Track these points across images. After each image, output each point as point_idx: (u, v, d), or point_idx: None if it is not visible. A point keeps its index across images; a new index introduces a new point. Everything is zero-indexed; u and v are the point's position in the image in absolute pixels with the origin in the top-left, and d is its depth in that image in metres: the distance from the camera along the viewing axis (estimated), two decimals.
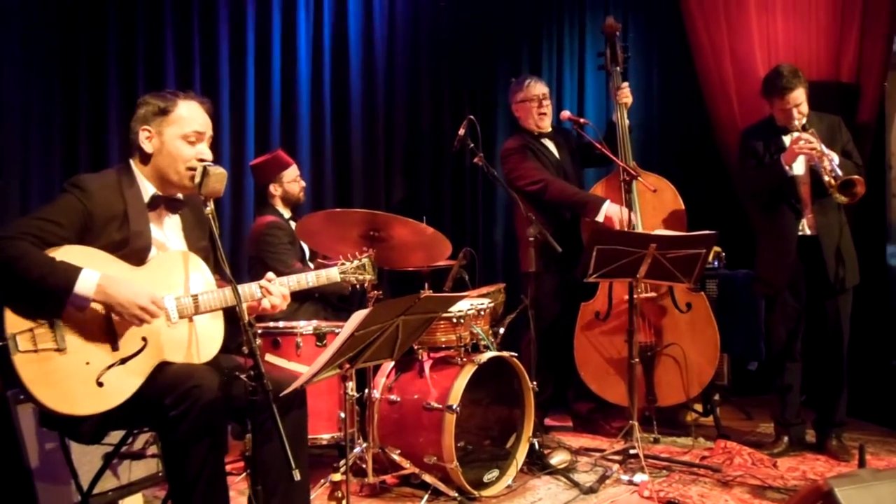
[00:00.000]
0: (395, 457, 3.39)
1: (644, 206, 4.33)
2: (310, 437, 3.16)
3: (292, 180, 4.11)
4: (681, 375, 4.23)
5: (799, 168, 3.86)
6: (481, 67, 5.50)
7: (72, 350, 2.23)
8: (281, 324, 3.55)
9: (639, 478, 3.53)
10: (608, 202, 4.26)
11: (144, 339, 2.33)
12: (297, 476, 2.03)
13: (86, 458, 2.80)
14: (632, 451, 3.70)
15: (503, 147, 4.59)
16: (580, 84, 5.66)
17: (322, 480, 3.31)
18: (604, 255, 3.57)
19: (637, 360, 3.87)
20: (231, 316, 2.51)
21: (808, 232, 3.90)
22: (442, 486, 3.33)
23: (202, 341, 2.46)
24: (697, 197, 4.60)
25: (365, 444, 3.44)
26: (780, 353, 4.02)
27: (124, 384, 2.28)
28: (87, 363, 2.24)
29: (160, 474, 3.14)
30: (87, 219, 2.35)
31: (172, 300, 2.40)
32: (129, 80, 4.29)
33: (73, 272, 2.20)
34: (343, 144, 5.03)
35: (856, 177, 3.60)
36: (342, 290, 3.90)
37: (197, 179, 2.38)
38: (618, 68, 4.54)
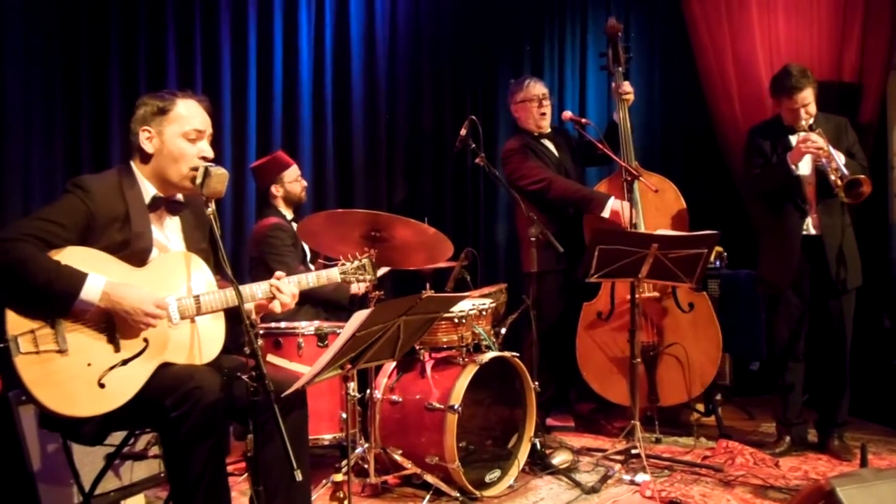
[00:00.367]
0: (397, 457, 3.39)
1: (646, 205, 4.33)
2: (312, 437, 3.17)
3: (293, 180, 4.11)
4: (683, 375, 4.22)
5: (805, 168, 3.86)
6: (483, 68, 5.50)
7: (73, 351, 2.23)
8: (283, 324, 3.55)
9: (640, 478, 3.53)
10: (613, 198, 4.26)
11: (146, 340, 2.33)
12: (298, 476, 2.03)
13: (87, 459, 2.80)
14: (633, 451, 3.70)
15: (504, 148, 4.59)
16: (582, 84, 5.66)
17: (324, 481, 3.32)
18: (605, 255, 3.57)
19: (639, 359, 3.86)
20: (232, 316, 2.52)
21: (813, 232, 3.90)
22: (444, 487, 3.33)
23: (203, 342, 2.46)
24: (699, 197, 4.60)
25: (367, 445, 3.44)
26: (783, 353, 4.01)
27: (126, 385, 2.28)
28: (89, 364, 2.24)
29: (162, 475, 3.14)
30: (90, 220, 2.35)
31: (174, 301, 2.40)
32: (130, 81, 4.29)
33: (78, 278, 2.21)
34: (345, 145, 5.03)
35: (862, 176, 3.60)
36: (341, 300, 3.90)
37: (198, 180, 2.38)
38: (620, 68, 4.54)
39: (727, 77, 5.06)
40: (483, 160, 3.95)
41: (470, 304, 3.65)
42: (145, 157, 2.51)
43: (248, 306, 2.50)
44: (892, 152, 4.95)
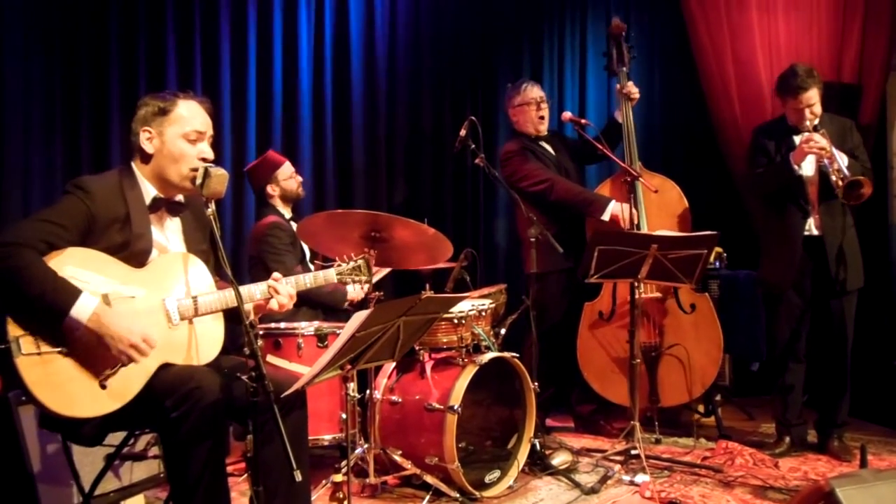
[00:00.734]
0: (397, 457, 3.39)
1: (649, 206, 4.33)
2: (311, 437, 3.17)
3: (288, 177, 4.09)
4: (684, 376, 4.22)
5: (808, 168, 3.85)
6: (482, 68, 5.50)
7: (75, 352, 2.22)
8: (282, 325, 3.55)
9: (640, 478, 3.53)
10: (613, 201, 4.27)
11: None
12: (298, 477, 2.03)
13: (87, 460, 2.80)
14: (633, 452, 3.70)
15: (503, 150, 4.59)
16: (581, 85, 5.66)
17: (323, 481, 3.32)
18: (605, 256, 3.57)
19: (639, 360, 3.86)
20: (232, 317, 2.52)
21: (815, 232, 3.90)
22: (443, 487, 3.33)
23: (203, 343, 2.46)
24: (699, 198, 4.60)
25: (366, 445, 3.44)
26: (783, 353, 4.01)
27: (127, 386, 2.28)
28: (91, 365, 2.24)
29: (161, 475, 3.14)
30: (90, 220, 2.35)
31: (174, 302, 2.40)
32: (130, 82, 4.29)
33: (71, 295, 2.18)
34: (344, 145, 5.03)
35: (862, 178, 3.60)
36: (337, 303, 3.90)
37: (198, 181, 2.38)
38: (624, 68, 4.54)
39: (727, 77, 5.06)
40: (483, 160, 3.95)
41: (469, 304, 3.65)
42: (146, 158, 2.50)
43: (247, 307, 2.50)
44: (892, 153, 4.95)
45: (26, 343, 2.16)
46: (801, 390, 4.05)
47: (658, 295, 4.29)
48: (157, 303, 2.39)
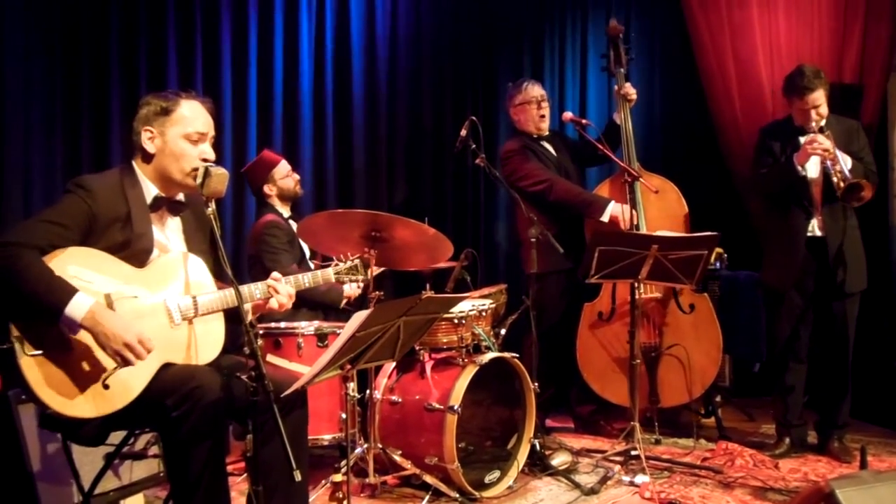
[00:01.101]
0: (397, 457, 3.39)
1: (648, 206, 4.33)
2: (311, 437, 3.17)
3: (284, 176, 4.08)
4: (684, 376, 4.22)
5: (813, 170, 3.85)
6: (483, 68, 5.50)
7: (77, 352, 2.22)
8: (282, 324, 3.55)
9: (640, 479, 3.53)
10: (613, 202, 4.26)
11: None
12: (297, 477, 2.03)
13: (87, 459, 2.80)
14: (633, 453, 3.70)
15: (503, 149, 4.59)
16: (582, 85, 5.66)
17: (323, 481, 3.31)
18: (605, 256, 3.57)
19: (639, 360, 3.86)
20: (232, 317, 2.52)
21: (818, 233, 3.89)
22: (443, 487, 3.33)
23: (204, 343, 2.46)
24: (699, 198, 4.60)
25: (366, 445, 3.44)
26: (784, 354, 4.01)
27: (129, 386, 2.28)
28: (93, 365, 2.23)
29: (161, 474, 3.15)
30: (91, 220, 2.35)
31: (176, 302, 2.40)
32: (131, 81, 4.29)
33: (66, 293, 2.16)
34: (345, 145, 5.03)
35: (862, 181, 3.59)
36: (334, 302, 3.90)
37: (198, 180, 2.38)
38: (622, 70, 4.54)
39: (727, 77, 5.06)
40: (483, 161, 3.95)
41: (470, 304, 3.65)
42: (147, 157, 2.50)
43: (246, 306, 2.50)
44: (893, 153, 4.94)
45: (29, 342, 2.16)
46: (801, 391, 4.04)
47: (658, 295, 4.29)
48: (159, 302, 2.39)
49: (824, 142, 3.68)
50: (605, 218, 4.25)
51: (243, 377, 2.14)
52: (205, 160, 2.47)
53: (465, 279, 4.09)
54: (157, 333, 2.33)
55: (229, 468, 3.31)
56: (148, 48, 4.35)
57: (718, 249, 4.73)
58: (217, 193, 2.39)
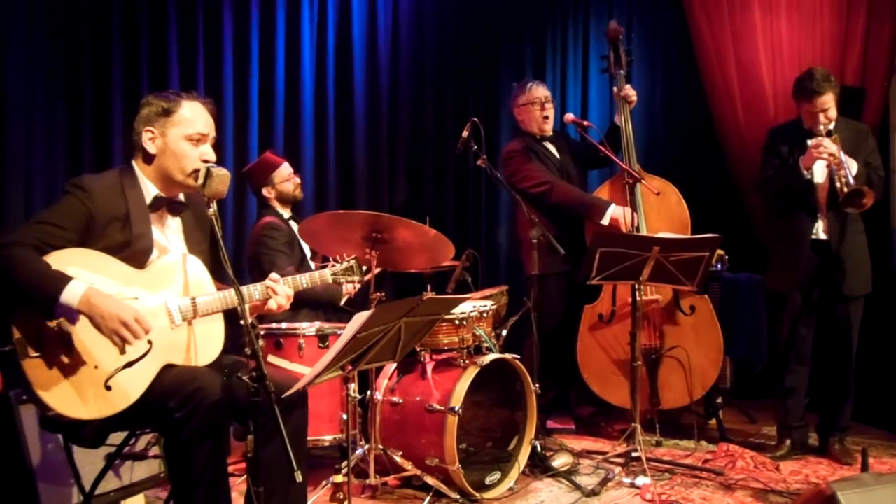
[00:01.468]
0: (397, 458, 3.39)
1: (648, 208, 4.33)
2: (312, 438, 3.17)
3: (284, 180, 4.08)
4: (684, 378, 4.22)
5: (819, 174, 3.84)
6: (485, 69, 5.50)
7: (80, 354, 2.22)
8: (283, 325, 3.55)
9: (641, 481, 3.53)
10: (613, 205, 4.26)
11: (150, 342, 2.32)
12: (298, 478, 2.03)
13: (88, 459, 2.80)
14: (634, 454, 3.70)
15: (505, 149, 4.59)
16: (584, 87, 5.67)
17: (324, 482, 3.32)
18: (607, 258, 3.57)
19: (640, 362, 3.86)
20: (232, 318, 2.52)
21: (822, 236, 3.88)
22: (444, 488, 3.33)
23: (204, 343, 2.46)
24: (701, 200, 4.60)
25: (367, 446, 3.44)
26: (786, 356, 4.01)
27: (131, 387, 2.28)
28: (95, 367, 2.24)
29: (162, 475, 3.15)
30: (90, 220, 2.35)
31: (176, 303, 2.40)
32: (132, 82, 4.28)
33: (61, 282, 2.16)
34: (346, 146, 5.03)
35: (864, 188, 3.58)
36: (333, 298, 3.90)
37: (200, 180, 2.37)
38: (622, 71, 4.54)
39: (729, 79, 5.06)
40: (485, 162, 3.95)
41: (471, 305, 3.64)
42: (148, 157, 2.50)
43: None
44: (895, 156, 4.94)
45: (32, 344, 2.16)
46: (803, 393, 4.04)
47: (658, 297, 4.29)
48: (159, 304, 2.39)
49: (830, 146, 3.67)
50: (605, 221, 4.24)
51: (244, 378, 2.14)
52: (205, 161, 2.47)
53: (466, 280, 4.09)
54: (158, 335, 2.34)
55: (230, 468, 3.31)
56: (150, 48, 4.35)
57: (719, 251, 4.73)
58: (219, 194, 2.38)
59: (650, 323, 4.29)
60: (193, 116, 2.49)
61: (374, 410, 3.50)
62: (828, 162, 3.72)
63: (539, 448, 3.73)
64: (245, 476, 3.41)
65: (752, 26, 4.99)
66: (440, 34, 5.35)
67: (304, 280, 2.70)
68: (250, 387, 2.11)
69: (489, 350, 3.64)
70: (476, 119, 4.00)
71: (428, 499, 3.31)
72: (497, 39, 5.52)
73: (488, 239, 5.51)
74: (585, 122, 4.39)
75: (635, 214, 4.22)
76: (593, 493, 3.46)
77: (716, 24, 5.08)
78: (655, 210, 4.34)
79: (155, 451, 3.05)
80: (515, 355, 3.63)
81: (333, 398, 3.54)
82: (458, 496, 3.32)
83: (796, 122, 3.98)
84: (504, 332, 3.90)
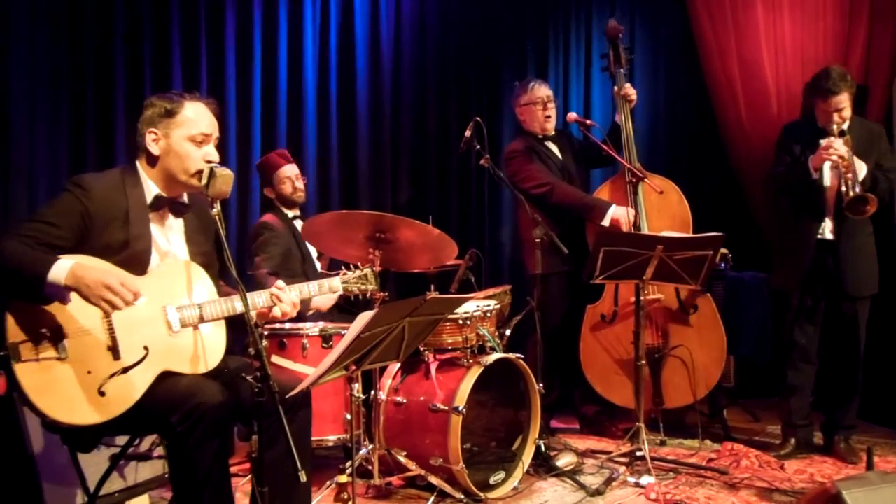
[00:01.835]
0: (401, 458, 3.39)
1: (649, 207, 4.32)
2: (316, 438, 3.17)
3: (281, 181, 4.08)
4: (688, 377, 4.21)
5: (828, 176, 3.81)
6: (487, 69, 5.51)
7: (73, 359, 2.21)
8: (287, 325, 3.54)
9: (645, 480, 3.52)
10: (614, 206, 4.25)
11: (146, 348, 2.31)
12: (303, 478, 2.03)
13: (92, 460, 2.79)
14: (638, 454, 3.70)
15: (507, 149, 4.58)
16: (587, 86, 5.67)
17: (328, 482, 3.32)
18: (610, 257, 3.57)
19: (644, 361, 3.86)
20: (233, 322, 2.51)
21: (829, 236, 3.87)
22: (448, 488, 3.33)
23: (205, 350, 2.44)
24: (704, 198, 4.59)
25: (371, 446, 3.44)
26: (791, 354, 4.00)
27: (127, 393, 2.26)
28: (89, 372, 2.22)
29: (166, 475, 3.14)
30: (86, 218, 2.34)
31: (174, 310, 2.39)
32: (135, 81, 4.30)
33: (48, 262, 2.17)
34: (349, 146, 5.03)
35: (870, 195, 3.56)
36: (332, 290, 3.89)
37: (203, 181, 2.37)
38: (621, 70, 4.54)
39: (732, 78, 5.05)
40: (488, 161, 3.94)
41: (474, 305, 3.64)
42: (151, 159, 2.50)
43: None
44: None
45: (25, 349, 2.15)
46: (808, 392, 4.03)
47: (660, 297, 4.28)
48: (157, 310, 2.37)
49: (840, 148, 3.64)
50: (605, 222, 4.23)
51: (249, 378, 2.13)
52: (209, 161, 2.46)
53: (469, 280, 4.09)
54: (156, 341, 2.32)
55: (234, 469, 3.32)
56: (152, 48, 4.36)
57: (723, 250, 4.72)
58: (222, 194, 2.37)
59: (653, 322, 4.29)
60: (196, 117, 2.49)
61: (378, 410, 3.50)
62: (836, 164, 3.69)
63: (543, 447, 3.72)
64: (249, 476, 3.43)
65: (755, 24, 4.98)
66: (443, 34, 5.35)
67: (312, 288, 2.68)
68: (254, 387, 2.11)
69: (493, 350, 3.64)
70: (479, 118, 3.99)
71: (432, 499, 3.31)
72: (499, 39, 5.53)
73: (491, 238, 5.51)
74: (588, 122, 4.39)
75: (637, 214, 4.21)
76: (598, 492, 3.45)
77: (718, 22, 5.07)
78: (657, 209, 4.33)
79: (159, 451, 3.05)
80: (519, 355, 3.62)
81: (337, 398, 3.54)
82: (462, 496, 3.32)
83: (811, 120, 3.96)
84: (507, 332, 3.90)
